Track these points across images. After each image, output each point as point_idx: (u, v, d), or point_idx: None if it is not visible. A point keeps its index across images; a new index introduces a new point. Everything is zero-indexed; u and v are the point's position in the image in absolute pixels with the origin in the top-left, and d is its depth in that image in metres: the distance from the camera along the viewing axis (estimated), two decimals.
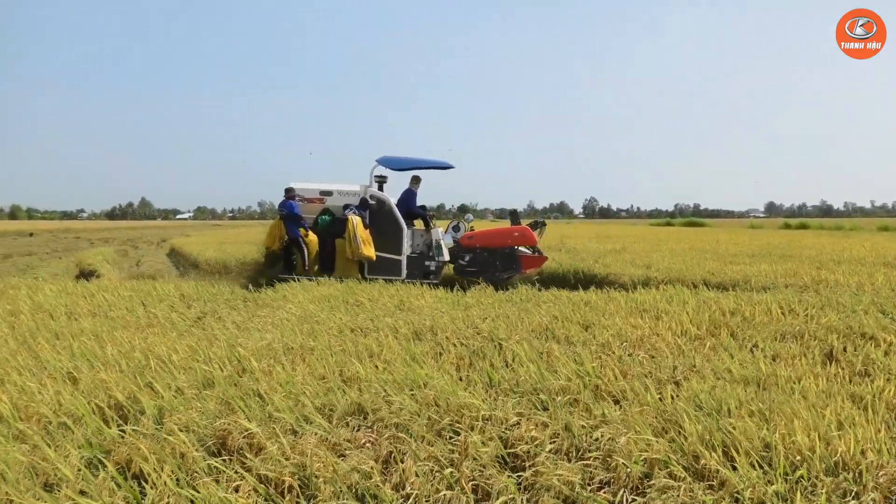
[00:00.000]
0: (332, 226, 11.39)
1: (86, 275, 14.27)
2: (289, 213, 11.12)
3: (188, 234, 38.27)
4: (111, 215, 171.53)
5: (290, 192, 11.33)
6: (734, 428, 3.28)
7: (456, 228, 12.33)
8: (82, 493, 2.77)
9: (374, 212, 11.39)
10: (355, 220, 10.92)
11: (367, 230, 11.13)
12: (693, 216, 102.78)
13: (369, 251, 11.02)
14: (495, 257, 11.67)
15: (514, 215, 12.58)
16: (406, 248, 11.52)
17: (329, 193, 11.68)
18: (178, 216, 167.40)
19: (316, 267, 11.38)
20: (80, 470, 2.94)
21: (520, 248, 11.70)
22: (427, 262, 11.67)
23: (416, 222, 12.30)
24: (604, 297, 8.07)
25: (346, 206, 11.36)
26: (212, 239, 28.43)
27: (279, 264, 11.77)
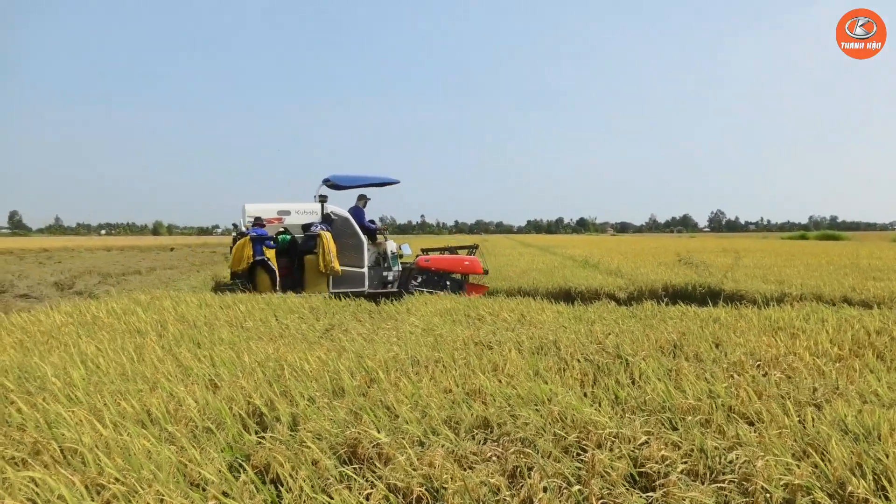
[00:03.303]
0: (294, 244, 11.90)
1: (221, 287, 15.09)
2: (258, 235, 11.41)
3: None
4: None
5: (258, 221, 11.67)
6: (886, 455, 3.07)
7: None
8: (225, 494, 2.93)
9: (336, 227, 11.91)
10: (327, 236, 11.45)
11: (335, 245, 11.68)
12: (829, 228, 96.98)
13: (338, 265, 11.59)
14: (444, 280, 12.78)
15: (472, 249, 14.00)
16: (367, 261, 12.22)
17: (287, 213, 12.14)
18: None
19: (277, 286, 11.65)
20: (221, 472, 3.11)
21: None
22: (385, 273, 12.55)
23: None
24: (734, 314, 7.76)
25: (309, 224, 11.80)
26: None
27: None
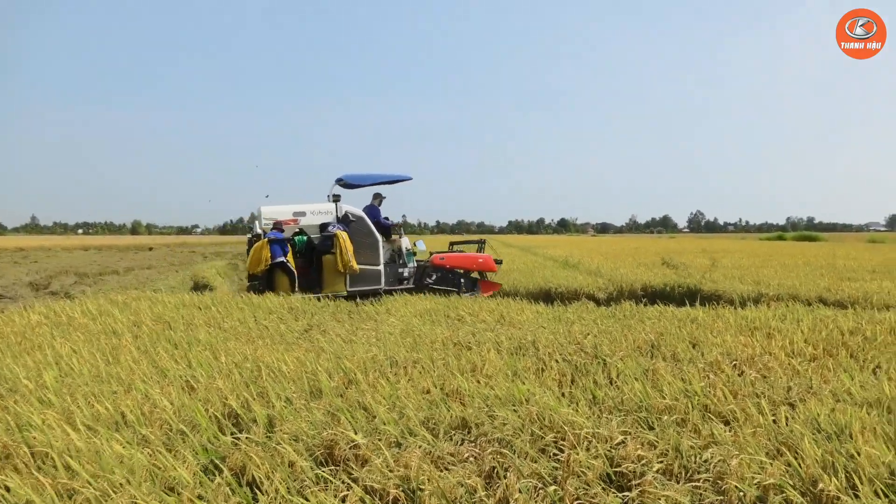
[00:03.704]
0: (311, 244, 11.92)
1: (200, 287, 14.99)
2: (276, 238, 11.43)
3: None
4: (223, 230, 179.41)
5: (277, 224, 11.71)
6: (857, 453, 3.10)
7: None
8: (199, 497, 2.90)
9: (352, 227, 11.97)
10: (344, 236, 11.50)
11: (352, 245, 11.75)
12: (806, 230, 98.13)
13: (356, 264, 11.65)
14: (459, 278, 12.81)
15: (480, 244, 13.92)
16: (382, 259, 12.28)
17: (302, 214, 12.16)
18: None
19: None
20: (196, 475, 3.09)
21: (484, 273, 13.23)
22: (400, 269, 12.60)
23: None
24: (711, 314, 7.82)
25: (326, 224, 11.85)
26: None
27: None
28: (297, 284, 11.58)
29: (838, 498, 2.76)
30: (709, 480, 3.01)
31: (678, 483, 3.01)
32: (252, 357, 5.52)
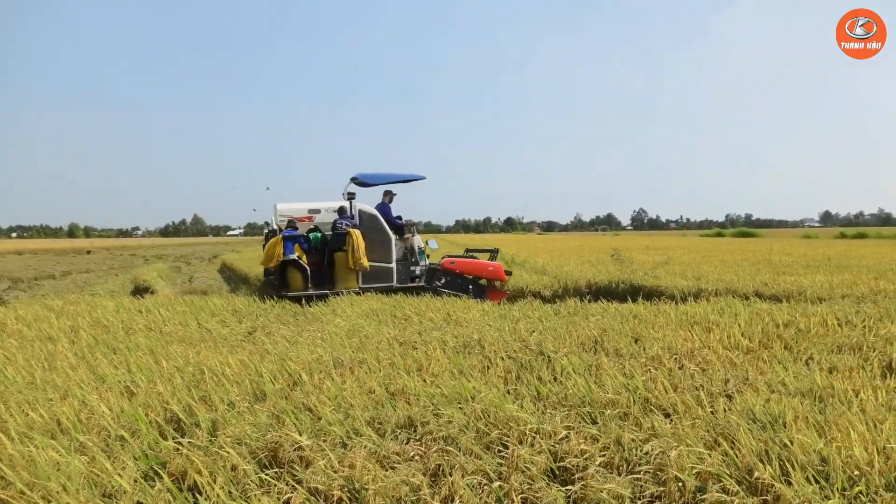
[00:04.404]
0: (325, 241, 11.96)
1: (141, 291, 14.66)
2: (290, 235, 11.50)
3: (239, 251, 38.96)
4: (165, 232, 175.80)
5: (292, 223, 11.77)
6: (790, 441, 3.21)
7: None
8: (139, 503, 2.84)
9: (364, 224, 12.03)
10: (357, 234, 11.54)
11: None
12: (745, 226, 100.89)
13: (367, 262, 11.69)
14: (468, 284, 12.75)
15: (493, 253, 13.64)
16: (395, 256, 12.32)
17: (317, 211, 12.28)
18: (229, 232, 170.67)
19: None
20: (136, 481, 3.02)
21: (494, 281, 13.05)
22: (412, 268, 12.66)
23: None
24: (653, 310, 7.98)
25: (339, 221, 11.87)
26: (262, 255, 28.86)
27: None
28: (309, 281, 11.61)
29: (772, 485, 2.84)
30: (649, 472, 3.07)
31: (620, 476, 3.07)
32: (194, 360, 5.42)
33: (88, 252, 45.73)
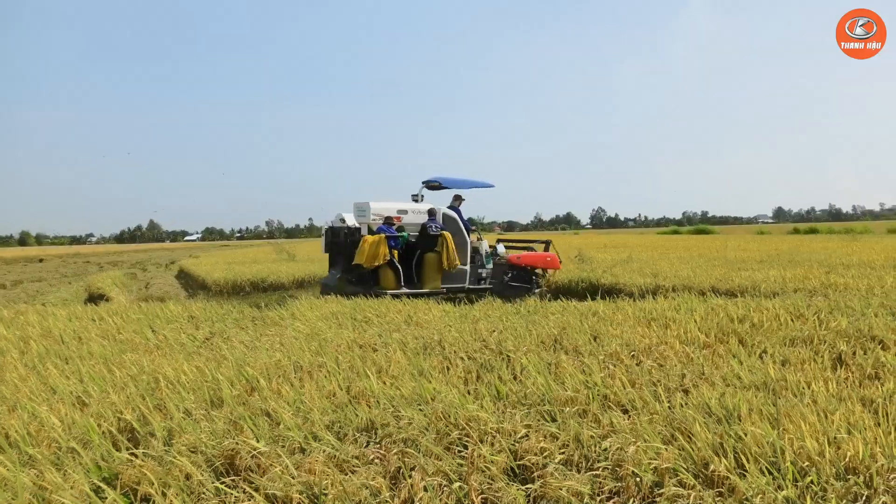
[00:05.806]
0: (413, 241, 12.20)
1: (95, 298, 14.36)
2: (389, 234, 11.59)
3: (196, 256, 38.42)
4: (120, 239, 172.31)
5: (388, 220, 11.90)
6: (744, 434, 3.26)
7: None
8: None
9: (447, 227, 12.28)
10: (448, 236, 11.86)
11: None
12: (701, 223, 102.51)
13: (460, 262, 12.07)
14: (532, 275, 13.17)
15: (547, 244, 13.94)
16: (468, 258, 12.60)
17: (405, 212, 12.33)
18: (186, 238, 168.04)
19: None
20: (86, 494, 2.94)
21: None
22: (479, 270, 12.86)
23: None
24: (611, 307, 8.05)
25: (429, 222, 12.07)
26: (220, 259, 28.61)
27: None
28: (402, 280, 11.76)
29: (727, 478, 2.89)
30: (608, 468, 3.09)
31: (579, 473, 3.09)
32: (149, 368, 5.32)
33: (40, 260, 44.57)
